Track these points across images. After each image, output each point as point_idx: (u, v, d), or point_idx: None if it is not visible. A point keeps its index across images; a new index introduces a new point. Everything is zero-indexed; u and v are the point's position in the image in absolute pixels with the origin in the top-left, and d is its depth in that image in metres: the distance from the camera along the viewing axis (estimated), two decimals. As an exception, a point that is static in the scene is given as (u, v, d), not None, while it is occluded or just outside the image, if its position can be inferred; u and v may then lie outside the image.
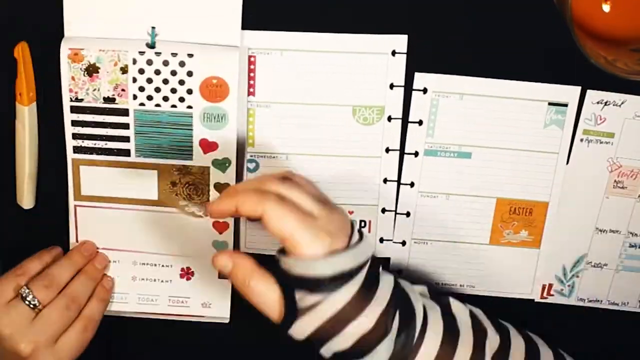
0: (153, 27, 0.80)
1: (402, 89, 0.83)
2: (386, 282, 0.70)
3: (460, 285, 0.89)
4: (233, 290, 0.88)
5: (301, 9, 0.81)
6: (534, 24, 0.81)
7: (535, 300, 0.89)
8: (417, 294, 0.73)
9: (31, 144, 0.84)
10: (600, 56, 0.75)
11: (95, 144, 0.83)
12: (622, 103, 0.83)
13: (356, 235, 0.69)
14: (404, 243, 0.88)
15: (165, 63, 0.80)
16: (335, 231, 0.67)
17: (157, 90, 0.81)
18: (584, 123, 0.83)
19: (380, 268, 0.71)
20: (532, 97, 0.83)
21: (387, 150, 0.84)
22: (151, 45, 0.80)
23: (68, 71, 0.80)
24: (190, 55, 0.80)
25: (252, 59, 0.82)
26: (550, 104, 0.83)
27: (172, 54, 0.80)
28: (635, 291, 0.89)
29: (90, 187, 0.84)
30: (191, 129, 0.82)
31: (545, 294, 0.89)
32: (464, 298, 0.78)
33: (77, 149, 0.83)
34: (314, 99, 0.82)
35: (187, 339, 0.91)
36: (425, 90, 0.83)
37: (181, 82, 0.80)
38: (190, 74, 0.80)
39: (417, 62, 0.82)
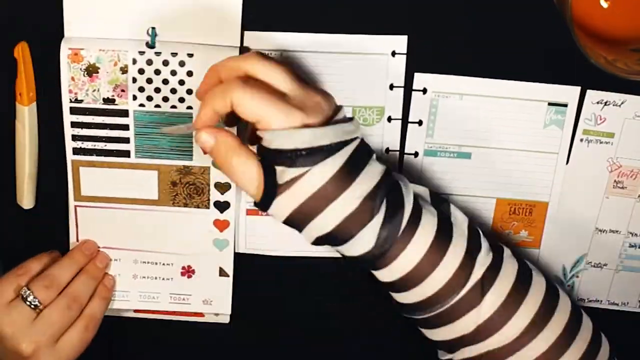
0: (153, 27, 0.80)
1: (402, 89, 0.83)
2: (375, 168, 0.69)
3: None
4: (234, 290, 0.88)
5: (301, 9, 0.81)
6: (534, 24, 0.81)
7: (536, 300, 0.89)
8: (410, 189, 0.71)
9: (31, 144, 0.84)
10: (600, 56, 0.75)
11: (95, 146, 0.83)
12: (622, 103, 0.83)
13: (341, 116, 0.69)
14: (404, 243, 0.88)
15: (165, 63, 0.80)
16: (310, 108, 0.66)
17: (157, 90, 0.81)
18: (584, 123, 0.83)
19: (374, 157, 0.70)
20: (532, 97, 0.83)
21: (387, 150, 0.84)
22: (151, 45, 0.80)
23: (68, 71, 0.80)
24: (190, 55, 0.80)
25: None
26: (550, 104, 0.83)
27: (172, 53, 0.80)
28: (635, 291, 0.89)
29: (90, 188, 0.84)
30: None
31: (545, 294, 0.89)
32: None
33: (76, 151, 0.83)
34: (314, 99, 0.82)
35: (187, 339, 0.91)
36: (425, 91, 0.83)
37: (181, 82, 0.80)
38: (190, 74, 0.80)
39: (416, 62, 0.82)
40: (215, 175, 0.84)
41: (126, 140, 0.83)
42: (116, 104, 0.82)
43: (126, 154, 0.83)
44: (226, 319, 0.89)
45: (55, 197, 0.86)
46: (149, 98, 0.81)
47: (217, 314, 0.89)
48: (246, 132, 0.75)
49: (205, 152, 0.70)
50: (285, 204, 0.67)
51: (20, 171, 0.85)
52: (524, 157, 0.84)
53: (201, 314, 0.89)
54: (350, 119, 0.70)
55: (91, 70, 0.80)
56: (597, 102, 0.83)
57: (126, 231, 0.86)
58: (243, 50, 0.81)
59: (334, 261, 0.88)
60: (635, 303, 0.90)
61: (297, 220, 0.68)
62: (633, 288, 0.89)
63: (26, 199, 0.86)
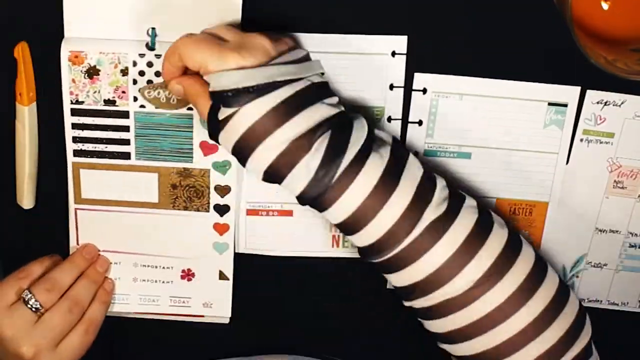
0: (153, 28, 0.80)
1: (402, 89, 0.83)
2: (318, 110, 0.71)
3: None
4: (233, 291, 0.88)
5: (301, 9, 0.81)
6: (534, 24, 0.81)
7: (535, 300, 0.89)
8: (363, 132, 0.72)
9: (31, 144, 0.84)
10: (600, 56, 0.74)
11: (95, 147, 0.83)
12: (622, 103, 0.83)
13: (284, 59, 0.71)
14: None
15: (166, 65, 0.80)
16: (246, 51, 0.70)
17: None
18: (584, 123, 0.83)
19: (329, 100, 0.72)
20: (532, 97, 0.83)
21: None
22: (151, 47, 0.80)
23: (68, 73, 0.80)
24: (190, 57, 0.80)
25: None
26: (550, 104, 0.83)
27: (172, 56, 0.80)
28: (635, 291, 0.89)
29: (91, 190, 0.84)
30: (191, 132, 0.82)
31: (545, 294, 0.89)
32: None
33: (77, 153, 0.83)
34: (314, 100, 0.82)
35: (187, 339, 0.91)
36: (425, 91, 0.83)
37: (181, 84, 0.80)
38: (190, 75, 0.80)
39: (416, 62, 0.82)
40: (215, 178, 0.84)
41: (126, 142, 0.83)
42: (117, 106, 0.82)
43: (126, 156, 0.83)
44: (226, 320, 0.89)
45: (55, 197, 0.86)
46: (150, 99, 0.81)
47: (217, 317, 0.90)
48: None
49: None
50: (226, 138, 0.72)
51: (20, 171, 0.85)
52: (524, 157, 0.84)
53: (201, 317, 0.89)
54: (299, 62, 0.73)
55: (92, 72, 0.80)
56: (597, 102, 0.83)
57: (126, 234, 0.86)
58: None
59: (333, 261, 0.88)
60: (635, 303, 0.90)
61: (238, 155, 0.72)
62: (633, 288, 0.89)
63: (26, 199, 0.86)
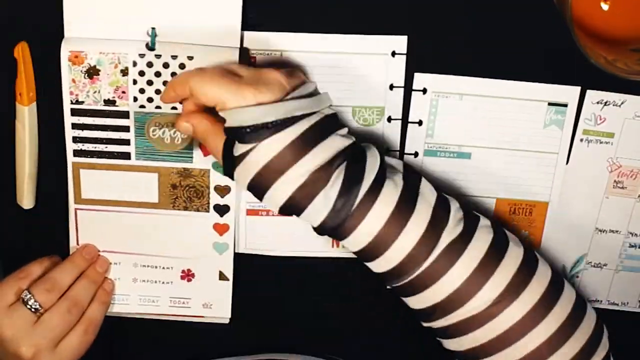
0: (153, 28, 0.80)
1: (402, 89, 0.83)
2: (333, 142, 0.72)
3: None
4: (233, 291, 0.88)
5: (301, 9, 0.81)
6: (534, 24, 0.81)
7: (535, 300, 0.89)
8: (376, 161, 0.73)
9: (31, 144, 0.84)
10: (600, 56, 0.75)
11: (95, 147, 0.83)
12: (622, 103, 0.83)
13: (299, 93, 0.72)
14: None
15: (166, 65, 0.80)
16: (263, 86, 0.70)
17: (158, 92, 0.81)
18: (584, 123, 0.83)
19: (341, 131, 0.73)
20: (532, 97, 0.83)
21: (387, 151, 0.84)
22: (151, 47, 0.80)
23: (68, 73, 0.80)
24: (190, 58, 0.79)
25: (252, 60, 0.82)
26: (550, 104, 0.83)
27: (172, 56, 0.80)
28: (635, 291, 0.89)
29: (91, 190, 0.84)
30: (191, 132, 0.82)
31: (545, 294, 0.89)
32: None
33: (77, 153, 0.83)
34: (314, 100, 0.82)
35: (187, 339, 0.91)
36: (424, 91, 0.83)
37: (182, 84, 0.80)
38: (190, 75, 0.80)
39: (416, 62, 0.82)
40: (215, 178, 0.84)
41: (126, 142, 0.82)
42: (117, 106, 0.82)
43: (126, 156, 0.83)
44: (226, 321, 0.89)
45: (55, 197, 0.86)
46: (150, 99, 0.81)
47: (217, 317, 0.90)
48: None
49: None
50: (243, 173, 0.72)
51: (20, 171, 0.85)
52: (524, 157, 0.84)
53: (201, 317, 0.89)
54: (311, 95, 0.73)
55: (92, 73, 0.80)
56: (597, 102, 0.83)
57: (126, 234, 0.86)
58: (243, 51, 0.81)
59: (333, 261, 0.88)
60: (635, 303, 0.90)
61: (255, 191, 0.73)
62: (633, 288, 0.89)
63: (26, 199, 0.86)
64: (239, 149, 0.71)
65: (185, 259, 0.87)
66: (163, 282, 0.87)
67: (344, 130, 0.74)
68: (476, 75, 0.82)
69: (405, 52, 0.82)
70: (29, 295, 0.79)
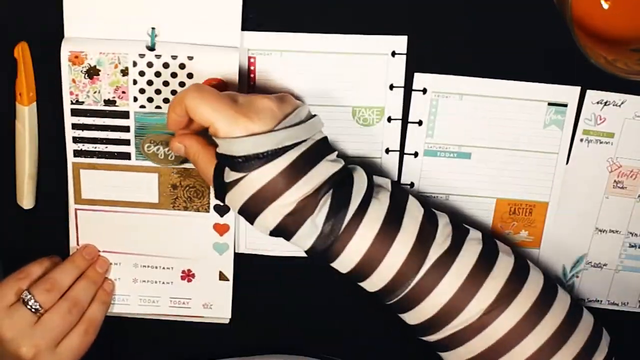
0: (153, 28, 0.80)
1: (402, 89, 0.83)
2: (322, 168, 0.73)
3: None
4: (233, 291, 0.88)
5: (301, 9, 0.81)
6: (534, 24, 0.81)
7: (535, 300, 0.89)
8: (363, 183, 0.75)
9: (31, 144, 0.84)
10: (600, 56, 0.75)
11: (95, 147, 0.83)
12: (622, 103, 0.83)
13: (290, 122, 0.72)
14: (404, 243, 0.88)
15: (166, 65, 0.80)
16: (255, 114, 0.71)
17: (158, 92, 0.81)
18: (584, 123, 0.83)
19: (329, 156, 0.74)
20: (532, 97, 0.83)
21: (387, 151, 0.84)
22: (151, 47, 0.80)
23: (68, 73, 0.80)
24: (190, 58, 0.80)
25: (252, 60, 0.82)
26: (549, 104, 0.83)
27: (172, 56, 0.80)
28: (635, 291, 0.89)
29: (91, 190, 0.84)
30: (191, 132, 0.82)
31: (545, 294, 0.89)
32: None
33: (77, 153, 0.83)
34: (314, 100, 0.82)
35: (187, 339, 0.91)
36: (424, 91, 0.83)
37: (182, 84, 0.80)
38: (190, 75, 0.80)
39: (416, 62, 0.82)
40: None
41: (127, 142, 0.82)
42: (117, 106, 0.82)
43: (126, 156, 0.83)
44: (226, 321, 0.89)
45: (55, 198, 0.86)
46: (150, 99, 0.81)
47: (217, 318, 0.89)
48: None
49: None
50: (233, 199, 0.73)
51: (20, 171, 0.85)
52: (524, 157, 0.84)
53: (201, 317, 0.89)
54: (303, 121, 0.74)
55: (92, 73, 0.80)
56: (597, 102, 0.83)
57: (126, 235, 0.86)
58: (243, 50, 0.81)
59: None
60: (635, 303, 0.90)
61: (246, 215, 0.74)
62: (633, 288, 0.89)
63: (26, 199, 0.86)
64: (231, 176, 0.72)
65: (185, 259, 0.87)
66: (163, 283, 0.87)
67: (333, 155, 0.75)
68: (476, 75, 0.82)
69: (405, 52, 0.82)
70: (29, 296, 0.79)
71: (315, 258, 0.75)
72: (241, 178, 0.71)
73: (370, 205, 0.74)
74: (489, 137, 0.84)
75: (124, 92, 0.81)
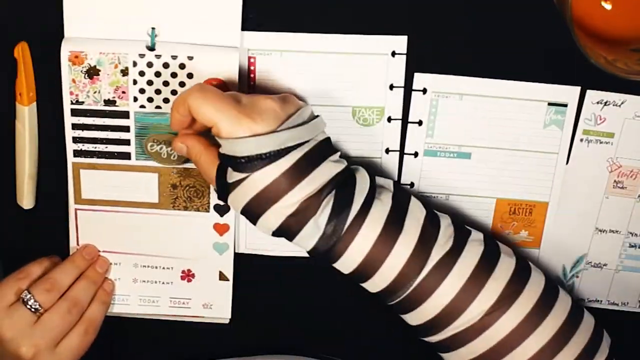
0: (153, 28, 0.80)
1: (402, 89, 0.83)
2: (325, 169, 0.73)
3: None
4: (233, 291, 0.88)
5: (301, 9, 0.81)
6: (534, 24, 0.81)
7: (535, 300, 0.89)
8: (365, 184, 0.75)
9: (31, 144, 0.84)
10: (600, 56, 0.75)
11: (95, 147, 0.83)
12: (622, 103, 0.83)
13: (293, 122, 0.72)
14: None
15: (166, 65, 0.80)
16: (258, 115, 0.71)
17: (158, 92, 0.81)
18: (584, 123, 0.83)
19: (332, 157, 0.74)
20: (532, 97, 0.83)
21: (387, 151, 0.84)
22: (151, 47, 0.80)
23: (68, 73, 0.80)
24: (190, 58, 0.80)
25: (252, 60, 0.82)
26: (549, 104, 0.83)
27: (172, 56, 0.80)
28: (635, 291, 0.89)
29: (91, 190, 0.84)
30: (191, 132, 0.82)
31: (545, 294, 0.89)
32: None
33: (77, 153, 0.83)
34: (314, 100, 0.82)
35: (187, 339, 0.91)
36: (424, 91, 0.83)
37: (182, 84, 0.80)
38: (190, 76, 0.80)
39: (416, 62, 0.82)
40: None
41: (127, 142, 0.82)
42: (117, 106, 0.82)
43: (126, 156, 0.83)
44: (226, 321, 0.89)
45: (55, 198, 0.86)
46: (150, 99, 0.81)
47: (217, 318, 0.89)
48: None
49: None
50: (236, 200, 0.73)
51: (20, 171, 0.85)
52: (524, 157, 0.84)
53: (201, 317, 0.89)
54: (306, 122, 0.74)
55: (92, 73, 0.80)
56: (597, 102, 0.83)
57: (126, 235, 0.86)
58: (243, 50, 0.81)
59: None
60: (635, 303, 0.90)
61: (248, 216, 0.74)
62: (633, 288, 0.89)
63: (26, 199, 0.86)
64: (233, 176, 0.72)
65: (185, 259, 0.87)
66: (163, 283, 0.87)
67: (336, 156, 0.75)
68: (476, 75, 0.82)
69: (405, 52, 0.82)
70: (29, 296, 0.79)
71: (318, 258, 0.75)
72: (244, 179, 0.71)
73: (372, 206, 0.74)
74: (489, 137, 0.84)
75: (124, 92, 0.81)
